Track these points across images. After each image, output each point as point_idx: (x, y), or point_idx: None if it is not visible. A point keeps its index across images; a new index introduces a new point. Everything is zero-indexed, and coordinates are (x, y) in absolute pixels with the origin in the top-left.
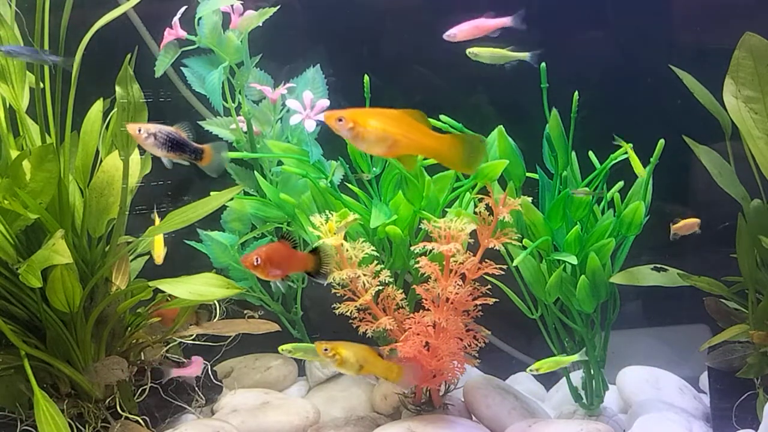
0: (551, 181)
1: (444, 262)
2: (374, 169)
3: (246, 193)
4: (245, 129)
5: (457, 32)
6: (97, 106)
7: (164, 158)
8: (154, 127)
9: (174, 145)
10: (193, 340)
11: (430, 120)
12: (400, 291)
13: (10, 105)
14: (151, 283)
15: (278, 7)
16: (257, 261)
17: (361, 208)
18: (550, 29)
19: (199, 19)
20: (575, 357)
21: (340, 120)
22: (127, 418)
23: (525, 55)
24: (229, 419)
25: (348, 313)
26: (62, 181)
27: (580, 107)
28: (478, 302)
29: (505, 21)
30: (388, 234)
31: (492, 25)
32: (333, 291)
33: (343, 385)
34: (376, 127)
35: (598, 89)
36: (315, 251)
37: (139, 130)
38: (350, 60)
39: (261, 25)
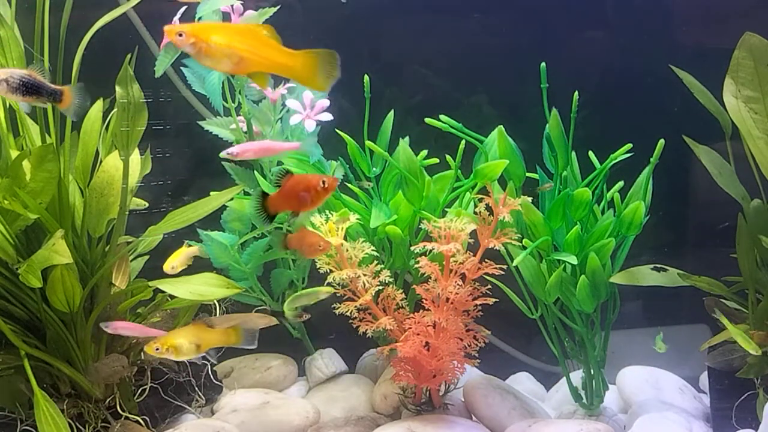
0: (551, 181)
1: (444, 262)
2: (374, 169)
3: (246, 193)
4: (245, 129)
5: (239, 151)
6: (97, 106)
7: (22, 103)
8: (4, 72)
9: (29, 88)
10: None
11: (430, 120)
12: (400, 291)
13: (10, 105)
14: (151, 283)
15: (278, 7)
16: (323, 184)
17: (361, 208)
18: (550, 29)
19: (199, 19)
20: None
21: (181, 35)
22: (127, 418)
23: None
24: (229, 419)
25: (348, 313)
26: (62, 181)
27: (580, 107)
28: (478, 302)
29: (294, 145)
30: (388, 234)
31: (280, 147)
32: (333, 291)
33: (343, 385)
34: (219, 43)
35: (598, 89)
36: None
37: None
38: (350, 60)
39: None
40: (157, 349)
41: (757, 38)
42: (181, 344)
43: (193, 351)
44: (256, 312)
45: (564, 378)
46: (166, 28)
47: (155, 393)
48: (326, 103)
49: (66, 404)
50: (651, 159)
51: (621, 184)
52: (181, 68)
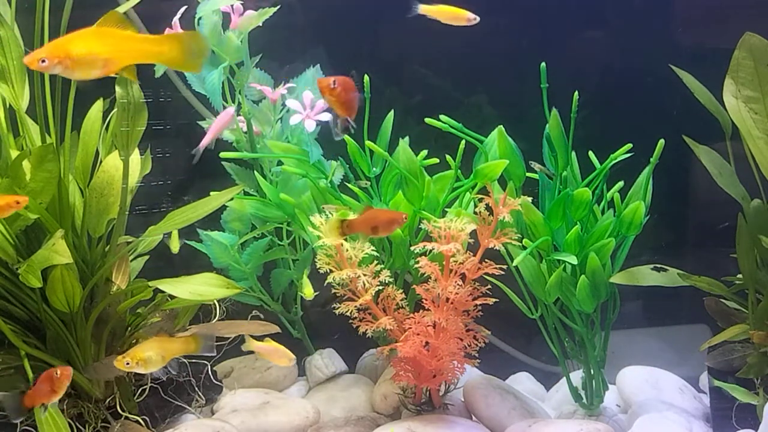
0: (551, 181)
1: (444, 262)
2: (374, 169)
3: (246, 193)
4: (245, 129)
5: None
6: (97, 106)
7: None
8: None
9: None
10: None
11: (430, 120)
12: (400, 291)
13: (10, 105)
14: (151, 283)
15: (278, 7)
16: (334, 84)
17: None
18: (550, 29)
19: (199, 19)
20: None
21: (44, 61)
22: (127, 418)
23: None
24: (229, 419)
25: (348, 313)
26: (62, 181)
27: (580, 107)
28: (478, 302)
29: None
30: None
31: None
32: (333, 291)
33: (343, 385)
34: (80, 53)
35: (598, 89)
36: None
37: None
38: (350, 60)
39: (261, 25)
40: (128, 363)
41: (757, 38)
42: (149, 357)
43: (160, 362)
44: (251, 318)
45: (564, 378)
46: (26, 60)
47: (155, 393)
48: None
49: (66, 404)
50: (651, 159)
51: (621, 184)
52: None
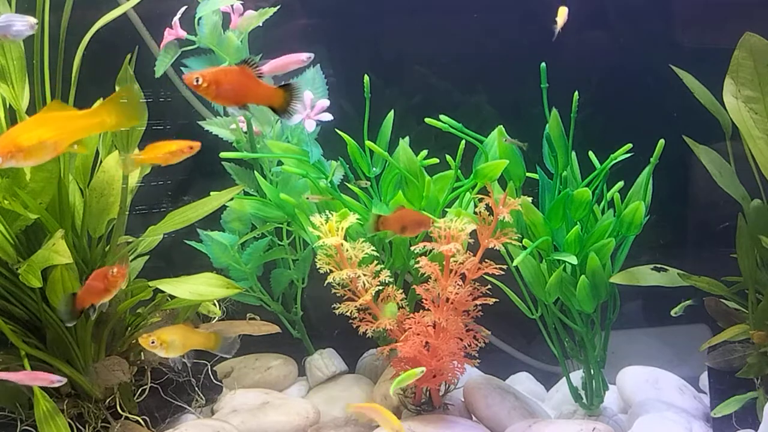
0: (551, 181)
1: (444, 262)
2: (374, 169)
3: (246, 193)
4: (245, 129)
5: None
6: None
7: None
8: None
9: None
10: None
11: (430, 120)
12: (400, 291)
13: (10, 105)
14: (151, 283)
15: (278, 7)
16: (197, 81)
17: (361, 208)
18: (550, 29)
19: (199, 19)
20: None
21: None
22: (127, 418)
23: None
24: (229, 419)
25: (348, 313)
26: (62, 181)
27: (580, 107)
28: (478, 302)
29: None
30: (388, 234)
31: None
32: (333, 291)
33: (343, 385)
34: (31, 144)
35: (598, 89)
36: (286, 86)
37: None
38: (350, 60)
39: (261, 25)
40: (153, 342)
41: (757, 38)
42: (173, 341)
43: (180, 349)
44: (248, 320)
45: (564, 378)
46: None
47: (155, 393)
48: (326, 103)
49: (66, 404)
50: (651, 159)
51: (621, 184)
52: (181, 68)
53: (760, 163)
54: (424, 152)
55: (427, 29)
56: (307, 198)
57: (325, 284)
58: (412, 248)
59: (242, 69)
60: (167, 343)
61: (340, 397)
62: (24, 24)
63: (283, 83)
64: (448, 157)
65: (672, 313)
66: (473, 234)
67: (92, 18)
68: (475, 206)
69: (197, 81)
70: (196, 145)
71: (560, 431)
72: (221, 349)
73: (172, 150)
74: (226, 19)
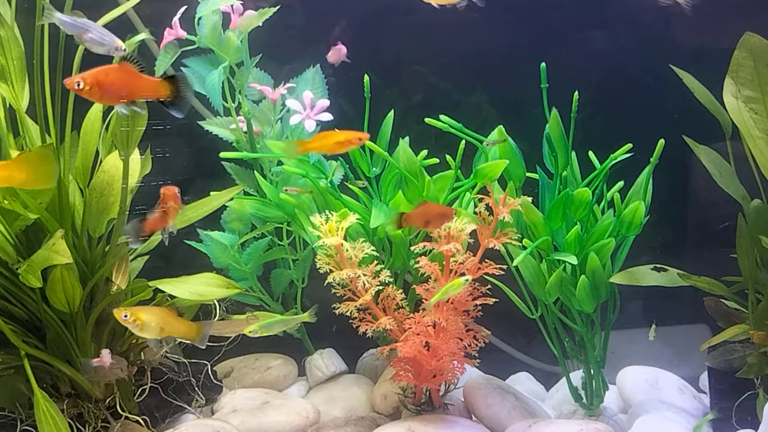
0: (551, 181)
1: (444, 262)
2: (374, 169)
3: (246, 193)
4: (245, 129)
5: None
6: (97, 106)
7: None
8: None
9: None
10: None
11: (430, 120)
12: (400, 291)
13: (10, 105)
14: (151, 283)
15: (278, 7)
16: (78, 85)
17: (361, 208)
18: (550, 29)
19: (199, 19)
20: None
21: None
22: (127, 418)
23: None
24: (229, 419)
25: (348, 313)
26: (62, 181)
27: (580, 107)
28: (478, 302)
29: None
30: (388, 234)
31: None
32: (333, 291)
33: (343, 385)
34: None
35: (598, 89)
36: (171, 78)
37: None
38: (350, 60)
39: (261, 25)
40: (125, 316)
41: (757, 38)
42: (148, 321)
43: (156, 332)
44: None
45: (564, 378)
46: None
47: (155, 393)
48: (326, 103)
49: (66, 404)
50: (651, 159)
51: (621, 184)
52: (181, 68)
53: (760, 163)
54: (424, 152)
55: (427, 29)
56: (285, 190)
57: (325, 284)
58: (412, 248)
59: (122, 66)
60: (142, 322)
61: (340, 397)
62: (110, 42)
63: (167, 75)
64: (448, 157)
65: (650, 338)
66: (473, 234)
67: (92, 18)
68: (475, 206)
69: (78, 85)
70: (365, 136)
71: (560, 431)
72: (200, 340)
73: (340, 140)
74: (226, 19)
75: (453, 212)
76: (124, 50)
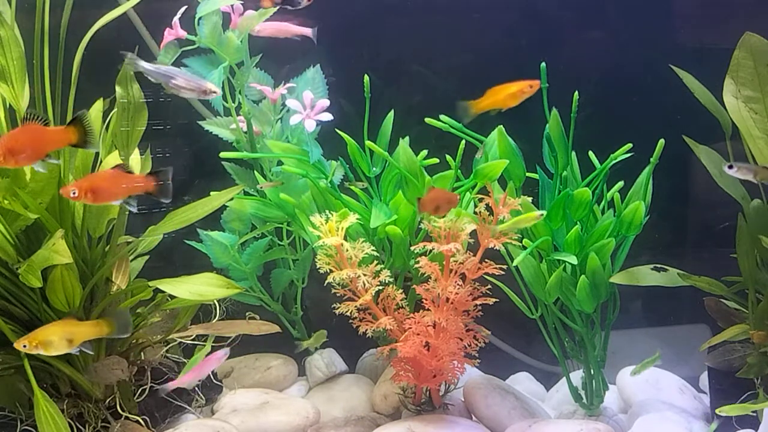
0: (551, 181)
1: (444, 262)
2: (374, 169)
3: (246, 193)
4: (245, 129)
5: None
6: (97, 106)
7: None
8: None
9: None
10: (192, 340)
11: (430, 120)
12: (400, 291)
13: (10, 105)
14: (151, 283)
15: (278, 7)
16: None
17: (361, 208)
18: (550, 29)
19: (199, 19)
20: None
21: None
22: (127, 418)
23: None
24: (229, 419)
25: (348, 313)
26: (62, 181)
27: (580, 107)
28: (478, 302)
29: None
30: (388, 234)
31: (294, 31)
32: (333, 291)
33: (343, 385)
34: None
35: (598, 89)
36: (75, 120)
37: None
38: (350, 60)
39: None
40: (25, 346)
41: (757, 38)
42: (50, 340)
43: (65, 346)
44: (248, 319)
45: (564, 378)
46: None
47: (155, 393)
48: (326, 103)
49: (66, 404)
50: (651, 159)
51: (621, 184)
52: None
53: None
54: (424, 152)
55: (427, 29)
56: (260, 187)
57: (325, 284)
58: (412, 248)
59: (26, 126)
60: (44, 343)
61: (340, 397)
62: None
63: (74, 117)
64: (448, 157)
65: (638, 371)
66: (473, 234)
67: (92, 18)
68: (475, 206)
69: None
70: (536, 83)
71: (560, 431)
72: (119, 330)
73: (512, 92)
74: (226, 19)
75: (457, 198)
76: (215, 93)
